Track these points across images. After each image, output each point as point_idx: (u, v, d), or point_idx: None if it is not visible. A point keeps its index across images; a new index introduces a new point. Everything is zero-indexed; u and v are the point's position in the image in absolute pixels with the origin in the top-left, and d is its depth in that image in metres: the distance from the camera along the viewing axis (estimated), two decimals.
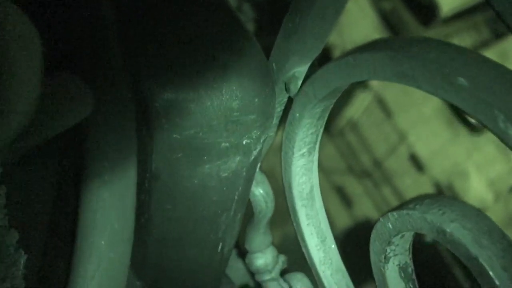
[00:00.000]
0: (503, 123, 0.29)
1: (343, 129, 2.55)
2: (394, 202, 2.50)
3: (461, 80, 0.30)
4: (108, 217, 0.36)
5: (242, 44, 0.43)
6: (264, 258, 0.64)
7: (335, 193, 2.55)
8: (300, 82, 0.44)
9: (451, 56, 0.32)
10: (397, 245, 0.42)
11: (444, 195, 0.39)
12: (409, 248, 0.43)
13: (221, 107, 0.42)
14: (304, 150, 0.48)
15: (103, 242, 0.37)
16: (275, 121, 0.50)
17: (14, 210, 0.51)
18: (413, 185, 2.52)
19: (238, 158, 0.46)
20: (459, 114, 2.31)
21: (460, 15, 2.60)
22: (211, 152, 0.44)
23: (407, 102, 2.43)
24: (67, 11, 0.40)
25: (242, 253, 0.72)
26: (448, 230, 0.36)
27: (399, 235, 0.40)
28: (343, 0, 0.39)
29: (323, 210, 0.52)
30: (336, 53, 2.36)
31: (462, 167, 2.51)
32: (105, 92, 0.39)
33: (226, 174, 0.47)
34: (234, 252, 0.73)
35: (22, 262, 0.45)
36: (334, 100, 0.44)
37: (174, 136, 0.43)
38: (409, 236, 0.41)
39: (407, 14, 2.46)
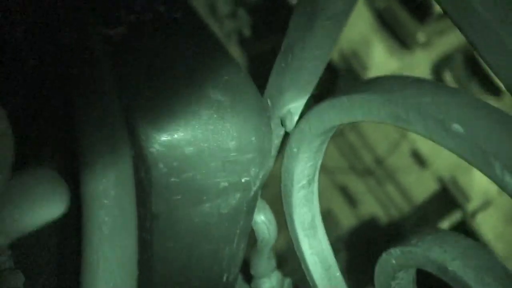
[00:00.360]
0: (500, 171, 0.29)
1: (343, 128, 2.55)
2: (398, 199, 2.50)
3: (456, 127, 0.30)
4: (111, 273, 0.36)
5: (236, 82, 0.43)
6: (270, 283, 0.64)
7: (339, 192, 2.55)
8: (296, 118, 0.44)
9: (445, 100, 0.32)
10: (402, 278, 0.42)
11: (446, 231, 0.39)
12: (413, 280, 0.43)
13: (218, 149, 0.42)
14: (304, 182, 0.48)
15: None
16: (273, 153, 0.50)
17: (19, 252, 0.51)
18: (417, 181, 2.52)
19: (238, 195, 0.46)
20: None
21: None
22: (210, 192, 0.44)
23: None
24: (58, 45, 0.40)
25: (248, 278, 0.72)
26: (450, 268, 0.36)
27: (403, 270, 0.40)
28: (334, 39, 0.38)
29: (326, 238, 0.52)
30: (333, 54, 2.35)
31: (465, 162, 2.51)
32: (101, 139, 0.39)
33: (226, 211, 0.47)
34: (240, 277, 0.73)
35: None
36: (331, 134, 0.44)
37: (172, 179, 0.42)
38: (412, 270, 0.41)
39: (402, 11, 2.46)
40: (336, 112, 0.38)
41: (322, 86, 0.48)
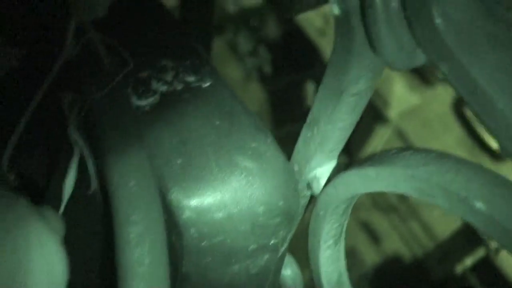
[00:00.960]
0: None
1: None
2: (422, 236, 2.48)
3: (479, 205, 0.31)
4: None
5: (264, 149, 0.45)
6: None
7: (362, 229, 2.54)
8: (322, 182, 0.45)
9: (468, 177, 0.33)
10: None
11: None
12: None
13: (247, 214, 0.44)
14: (330, 242, 0.49)
15: None
16: (300, 213, 0.51)
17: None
18: (440, 217, 2.50)
19: (266, 257, 0.47)
20: (480, 142, 2.30)
21: None
22: (240, 254, 0.45)
23: (427, 134, 2.42)
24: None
25: None
26: None
27: None
28: (358, 114, 0.40)
29: None
30: None
31: None
32: (136, 208, 0.40)
33: (255, 271, 0.48)
34: None
35: None
36: (358, 197, 0.45)
37: (203, 244, 0.44)
38: None
39: None
40: (362, 182, 0.39)
41: None
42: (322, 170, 0.45)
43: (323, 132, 0.41)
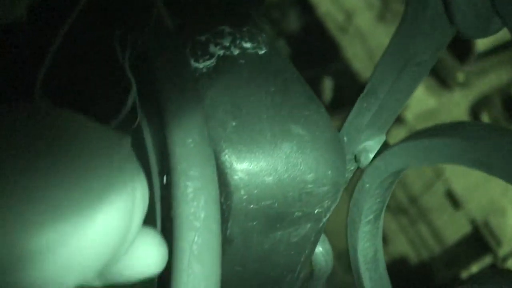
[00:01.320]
0: None
1: None
2: (430, 239, 2.48)
3: None
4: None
5: (316, 118, 0.46)
6: None
7: None
8: (371, 155, 0.46)
9: None
10: None
11: None
12: None
13: (296, 180, 0.44)
14: (371, 217, 0.50)
15: None
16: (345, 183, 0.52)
17: None
18: (449, 221, 2.50)
19: (308, 225, 0.48)
20: None
21: (494, 51, 2.60)
22: (284, 221, 0.46)
23: None
24: None
25: None
26: None
27: None
28: (417, 84, 0.40)
29: (386, 273, 0.53)
30: None
31: (498, 204, 2.49)
32: (193, 166, 0.41)
33: (295, 240, 0.49)
34: None
35: None
36: (405, 171, 0.46)
37: (251, 206, 0.45)
38: None
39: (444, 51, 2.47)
40: (415, 154, 0.40)
41: None
42: (371, 143, 0.46)
43: (379, 103, 0.41)
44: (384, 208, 0.50)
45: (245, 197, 0.44)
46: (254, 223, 0.46)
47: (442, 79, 2.51)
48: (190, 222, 0.39)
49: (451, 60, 2.52)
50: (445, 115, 2.48)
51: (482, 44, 2.53)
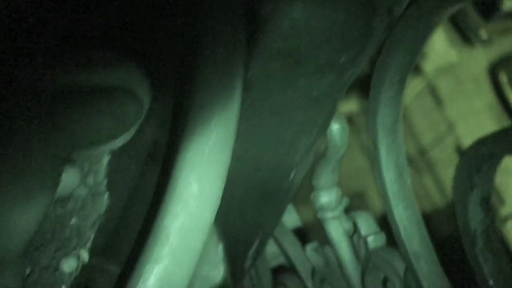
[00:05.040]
0: None
1: None
2: (434, 192, 2.48)
3: None
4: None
5: None
6: (329, 196, 0.65)
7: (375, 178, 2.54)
8: (404, 6, 0.44)
9: None
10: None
11: None
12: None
13: (325, 21, 0.43)
14: (396, 78, 0.48)
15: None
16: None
17: None
18: None
19: (332, 77, 0.47)
20: (510, 111, 2.27)
21: None
22: (308, 65, 0.45)
23: (459, 93, 2.40)
24: None
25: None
26: None
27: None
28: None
29: (403, 146, 0.52)
30: None
31: (507, 164, 2.47)
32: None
33: (316, 94, 0.48)
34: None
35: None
36: (435, 27, 0.44)
37: (277, 44, 0.43)
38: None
39: (469, 5, 2.42)
40: None
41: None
42: None
43: None
44: (409, 75, 0.49)
45: (270, 32, 0.43)
46: (277, 64, 0.45)
47: (464, 34, 2.46)
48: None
49: (475, 16, 2.47)
50: (464, 71, 2.45)
51: (510, 2, 2.48)
